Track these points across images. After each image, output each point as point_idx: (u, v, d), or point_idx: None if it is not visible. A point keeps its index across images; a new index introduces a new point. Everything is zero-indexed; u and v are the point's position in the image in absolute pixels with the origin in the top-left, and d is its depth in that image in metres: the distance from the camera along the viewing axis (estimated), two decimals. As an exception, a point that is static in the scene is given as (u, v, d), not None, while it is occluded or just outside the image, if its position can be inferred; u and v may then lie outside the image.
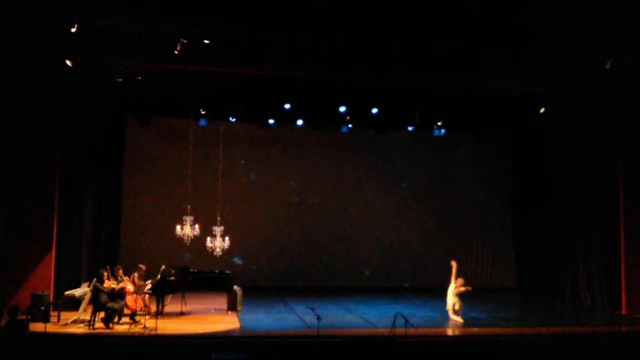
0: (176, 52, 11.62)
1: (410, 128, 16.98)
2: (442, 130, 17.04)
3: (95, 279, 11.48)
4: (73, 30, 11.12)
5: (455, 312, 12.75)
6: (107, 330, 10.95)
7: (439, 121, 16.72)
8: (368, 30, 12.10)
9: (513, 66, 13.02)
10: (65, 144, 13.03)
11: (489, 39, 12.30)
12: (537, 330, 12.02)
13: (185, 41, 11.60)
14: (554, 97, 14.70)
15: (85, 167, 14.43)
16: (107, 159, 15.93)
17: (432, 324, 12.45)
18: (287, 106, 15.32)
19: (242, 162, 18.29)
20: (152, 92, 14.47)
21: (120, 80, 12.90)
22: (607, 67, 12.59)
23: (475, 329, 11.96)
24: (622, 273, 14.01)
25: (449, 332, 11.94)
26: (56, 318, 11.64)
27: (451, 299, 12.81)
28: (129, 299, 11.81)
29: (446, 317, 12.90)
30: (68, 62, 11.94)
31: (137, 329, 11.10)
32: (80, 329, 11.04)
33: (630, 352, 10.83)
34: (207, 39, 11.77)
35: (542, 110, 15.12)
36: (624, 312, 13.90)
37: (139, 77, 13.15)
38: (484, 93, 14.55)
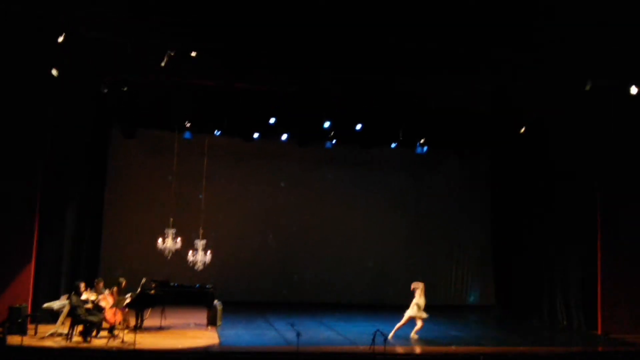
0: (163, 64, 11.65)
1: (393, 145, 17.14)
2: (425, 148, 17.25)
3: (73, 292, 11.40)
4: (60, 40, 11.14)
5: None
6: (85, 344, 10.86)
7: (422, 138, 16.92)
8: (354, 47, 12.25)
9: (494, 88, 13.29)
10: (48, 154, 12.94)
11: (473, 64, 12.53)
12: (515, 349, 12.09)
13: (172, 54, 11.65)
14: (535, 118, 14.98)
15: (67, 177, 14.32)
16: (91, 170, 15.84)
17: (411, 342, 12.49)
18: (272, 120, 15.40)
19: (226, 176, 18.32)
20: (138, 104, 14.45)
21: (106, 91, 12.89)
22: (587, 88, 12.85)
23: (453, 347, 12.04)
24: (599, 293, 14.17)
25: (428, 350, 11.99)
26: (33, 331, 11.50)
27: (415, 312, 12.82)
28: (108, 313, 11.72)
29: (426, 335, 12.95)
30: (54, 72, 11.91)
31: (115, 343, 11.00)
32: (57, 343, 10.93)
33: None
34: (194, 52, 11.83)
35: (523, 129, 15.38)
36: (599, 332, 14.06)
37: (125, 89, 13.13)
38: (466, 112, 14.81)
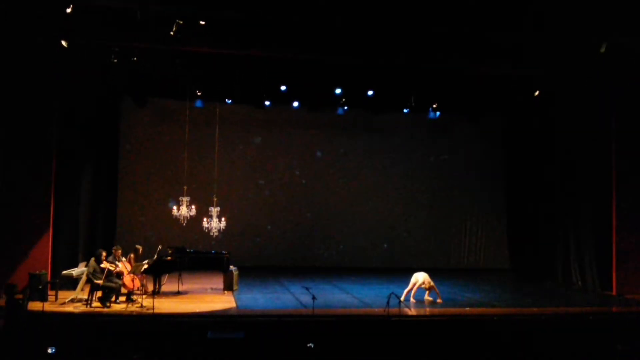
0: (172, 33, 11.58)
1: (405, 110, 17.04)
2: (437, 113, 17.15)
3: (93, 259, 11.56)
4: (68, 10, 11.09)
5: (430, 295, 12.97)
6: (105, 309, 11.05)
7: (434, 104, 16.80)
8: (365, 12, 12.07)
9: (509, 49, 13.08)
10: (61, 125, 13.03)
11: (486, 22, 12.32)
12: (528, 310, 12.17)
13: (181, 22, 11.56)
14: (549, 80, 14.78)
15: (81, 147, 14.47)
16: (104, 140, 15.96)
17: (425, 304, 12.60)
18: (283, 88, 15.34)
19: (239, 143, 18.35)
20: (148, 73, 14.42)
21: (115, 61, 12.88)
22: (602, 50, 12.64)
23: (467, 309, 12.13)
24: (614, 254, 14.17)
25: (442, 311, 12.08)
26: (54, 297, 11.72)
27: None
28: (126, 279, 11.88)
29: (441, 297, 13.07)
30: (64, 43, 11.89)
31: (134, 308, 11.20)
32: (77, 308, 11.14)
33: (620, 332, 10.99)
34: (203, 20, 11.74)
35: (537, 93, 15.21)
36: (614, 292, 14.08)
37: (135, 58, 13.10)
38: (479, 76, 14.63)
